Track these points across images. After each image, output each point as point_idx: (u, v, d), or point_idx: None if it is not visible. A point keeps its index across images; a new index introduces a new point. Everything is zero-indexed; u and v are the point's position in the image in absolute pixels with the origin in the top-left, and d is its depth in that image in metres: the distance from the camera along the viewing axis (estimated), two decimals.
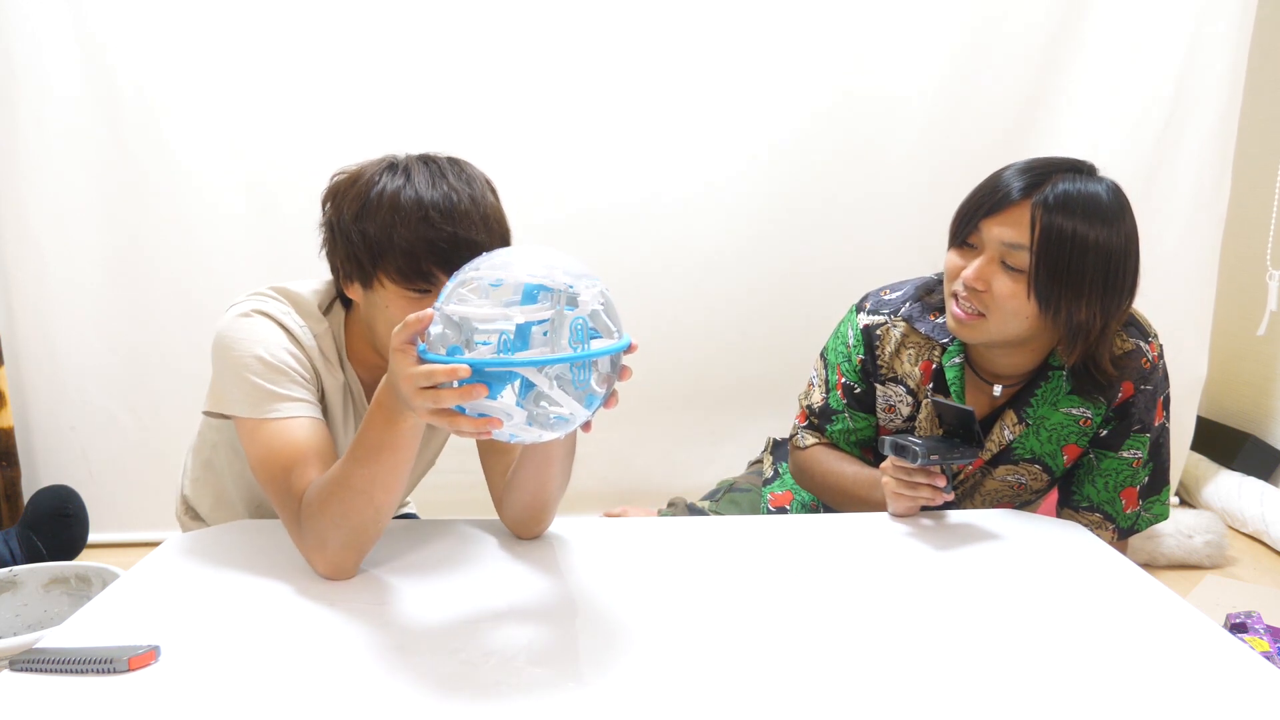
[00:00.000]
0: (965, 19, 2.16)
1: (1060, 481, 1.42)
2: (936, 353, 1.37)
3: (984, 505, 1.44)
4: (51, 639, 0.86)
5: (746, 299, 2.30)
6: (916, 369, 1.38)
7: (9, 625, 1.42)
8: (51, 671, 0.81)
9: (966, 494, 1.44)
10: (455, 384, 0.79)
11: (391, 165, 1.04)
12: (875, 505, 1.31)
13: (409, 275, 1.00)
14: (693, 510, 1.92)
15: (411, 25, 2.09)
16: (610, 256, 2.20)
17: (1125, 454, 1.35)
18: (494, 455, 1.17)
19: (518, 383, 0.79)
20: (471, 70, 2.12)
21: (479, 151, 2.17)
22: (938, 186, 2.15)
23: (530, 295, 0.79)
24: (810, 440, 1.49)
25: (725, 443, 2.37)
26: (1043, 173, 1.22)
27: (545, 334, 0.79)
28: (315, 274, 1.16)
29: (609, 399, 0.85)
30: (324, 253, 1.10)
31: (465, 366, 0.78)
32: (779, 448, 1.94)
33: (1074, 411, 1.34)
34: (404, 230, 0.99)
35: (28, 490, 2.19)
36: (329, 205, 1.07)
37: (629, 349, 0.84)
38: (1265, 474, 2.45)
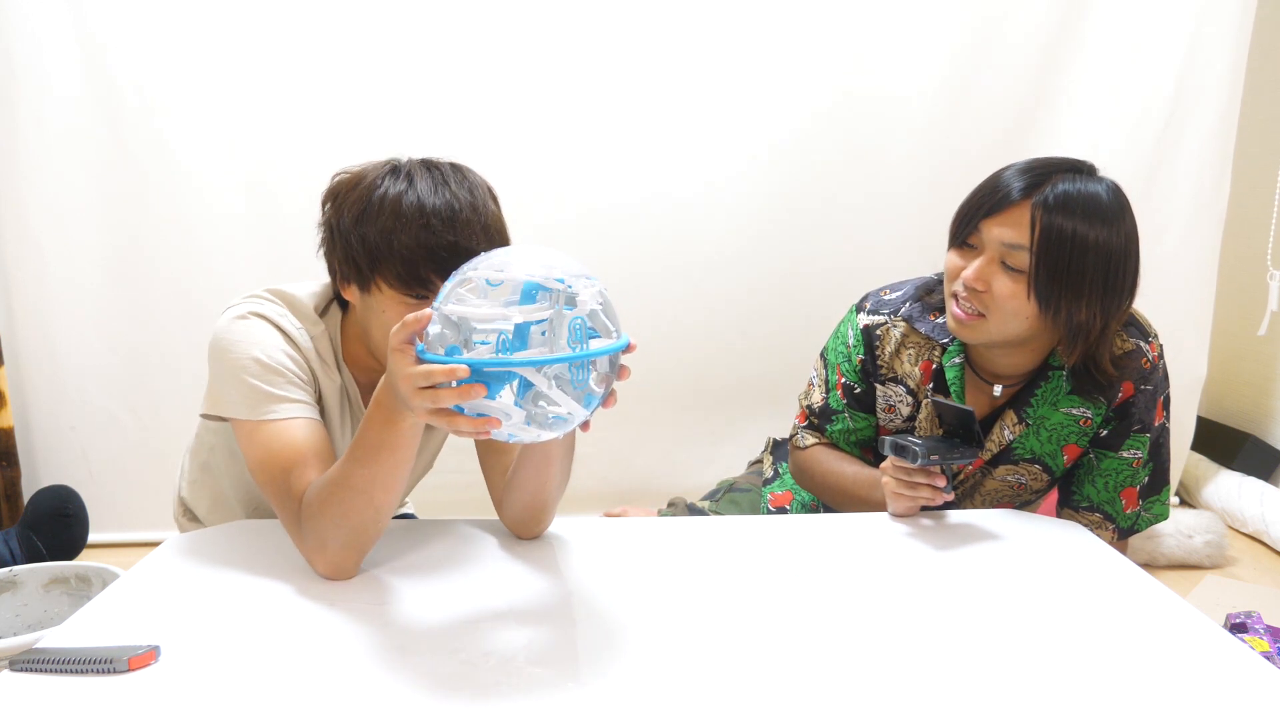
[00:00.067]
0: (965, 19, 2.16)
1: (1060, 481, 1.42)
2: (936, 353, 1.37)
3: (984, 505, 1.44)
4: (51, 639, 0.86)
5: (746, 299, 2.30)
6: (916, 369, 1.38)
7: (9, 625, 1.42)
8: (51, 671, 0.81)
9: (966, 494, 1.44)
10: (454, 384, 0.79)
11: (394, 169, 1.03)
12: (875, 505, 1.31)
13: (408, 282, 1.00)
14: (693, 510, 1.93)
15: (412, 25, 2.09)
16: (610, 256, 2.20)
17: (1125, 454, 1.35)
18: (493, 456, 1.17)
19: (516, 382, 0.79)
20: (472, 71, 2.12)
21: (480, 152, 2.17)
22: (938, 186, 2.15)
23: (529, 295, 0.79)
24: (810, 440, 1.49)
25: (725, 443, 2.37)
26: (1043, 173, 1.22)
27: (544, 334, 0.79)
28: (315, 275, 1.15)
29: (607, 399, 0.85)
30: (321, 252, 1.09)
31: (464, 366, 0.78)
32: (779, 448, 1.94)
33: (1074, 411, 1.34)
34: (404, 236, 0.99)
35: (28, 490, 2.19)
36: (329, 206, 1.06)
37: (627, 349, 0.84)
38: (1265, 474, 2.45)
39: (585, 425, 0.86)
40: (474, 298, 0.80)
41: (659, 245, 2.24)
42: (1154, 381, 1.33)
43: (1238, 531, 2.39)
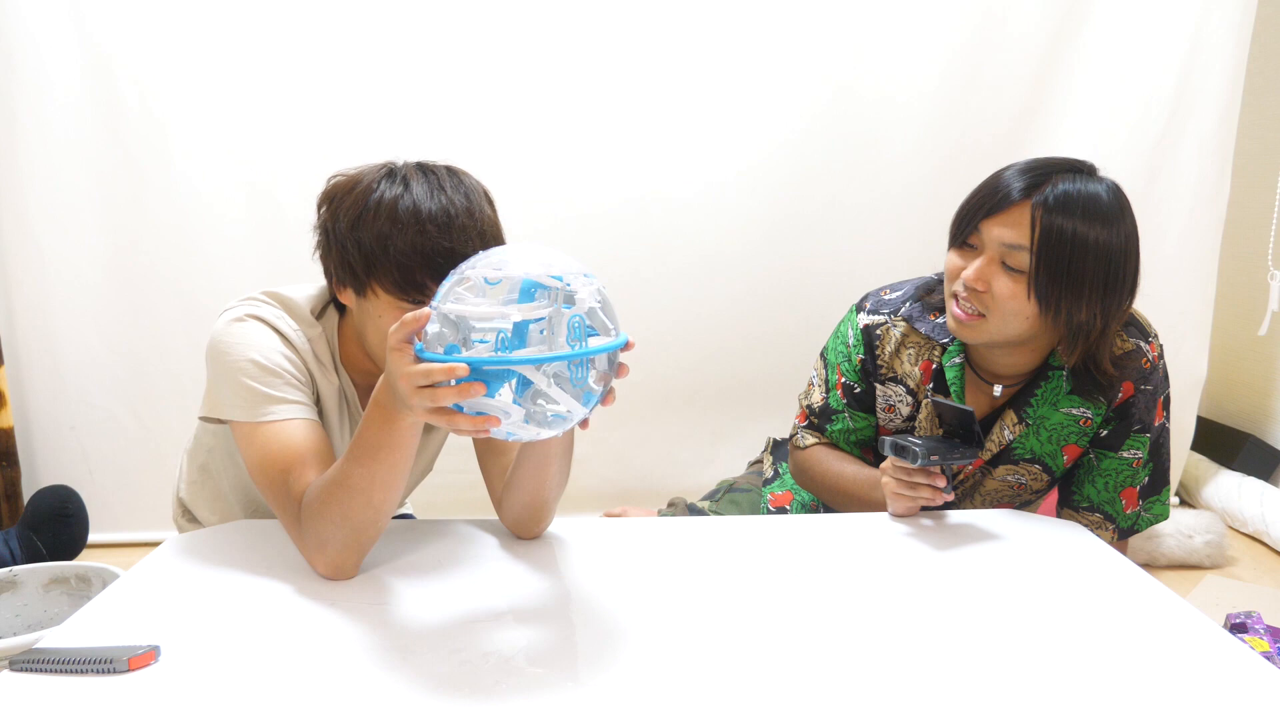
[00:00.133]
0: (965, 18, 2.16)
1: (1060, 481, 1.42)
2: (936, 353, 1.37)
3: (984, 505, 1.44)
4: (51, 639, 0.86)
5: (746, 299, 2.30)
6: (916, 369, 1.38)
7: (9, 625, 1.42)
8: (51, 671, 0.81)
9: (966, 494, 1.44)
10: (453, 382, 0.79)
11: (390, 172, 1.03)
12: (875, 505, 1.31)
13: (403, 287, 1.00)
14: (693, 510, 1.93)
15: (413, 27, 2.09)
16: (610, 256, 2.20)
17: (1125, 454, 1.35)
18: (492, 456, 1.17)
19: (515, 381, 0.79)
20: (473, 72, 2.12)
21: (481, 154, 2.18)
22: (937, 186, 2.15)
23: (527, 293, 0.79)
24: (810, 440, 1.49)
25: (725, 443, 2.37)
26: (1043, 173, 1.22)
27: (542, 332, 0.79)
28: (314, 277, 1.15)
29: (606, 396, 0.85)
30: (318, 255, 1.09)
31: (463, 365, 0.78)
32: (779, 448, 1.94)
33: (1074, 411, 1.34)
34: (400, 242, 0.99)
35: (28, 490, 2.19)
36: (324, 209, 1.06)
37: (626, 347, 0.84)
38: (1265, 474, 2.45)
39: (584, 423, 0.86)
40: (472, 296, 0.80)
41: (659, 245, 2.24)
42: (1154, 381, 1.33)
43: (1238, 531, 2.39)
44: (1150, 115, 2.21)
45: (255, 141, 2.11)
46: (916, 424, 1.40)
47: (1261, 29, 2.26)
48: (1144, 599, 1.02)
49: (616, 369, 0.85)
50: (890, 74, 2.18)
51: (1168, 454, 1.40)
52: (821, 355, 1.50)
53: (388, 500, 0.97)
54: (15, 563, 1.86)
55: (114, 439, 2.24)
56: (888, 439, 1.23)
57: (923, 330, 1.37)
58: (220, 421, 1.11)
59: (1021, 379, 1.36)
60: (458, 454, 1.39)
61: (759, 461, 2.09)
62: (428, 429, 1.27)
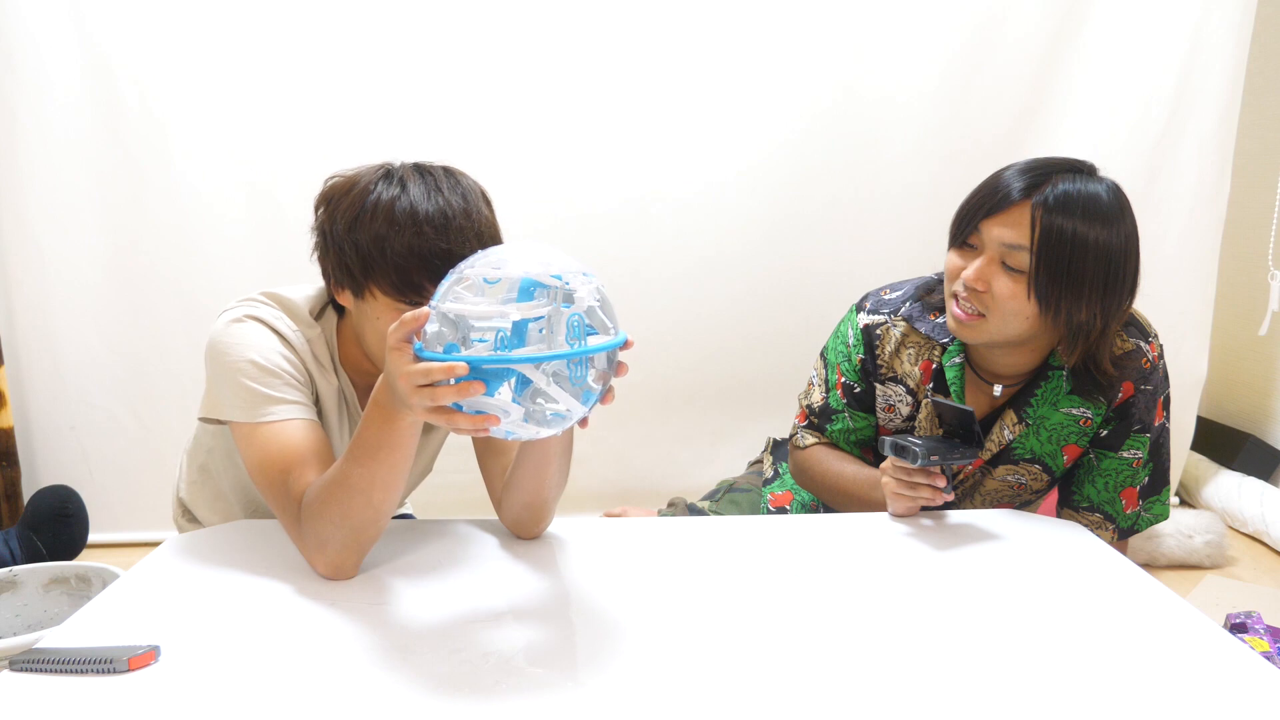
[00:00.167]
0: (965, 19, 2.16)
1: (1060, 482, 1.42)
2: (936, 352, 1.37)
3: (984, 505, 1.44)
4: (51, 639, 0.86)
5: (746, 299, 2.30)
6: (916, 369, 1.38)
7: (9, 625, 1.42)
8: (51, 671, 0.81)
9: (966, 494, 1.44)
10: (452, 381, 0.79)
11: (387, 174, 1.03)
12: (875, 505, 1.31)
13: (401, 289, 1.00)
14: (693, 510, 1.93)
15: (413, 27, 2.09)
16: (610, 256, 2.20)
17: (1125, 454, 1.35)
18: (492, 456, 1.17)
19: (514, 379, 0.79)
20: (473, 72, 2.12)
21: (481, 154, 2.18)
22: (937, 186, 2.15)
23: (526, 292, 0.79)
24: (810, 440, 1.49)
25: (725, 443, 2.37)
26: (1043, 173, 1.22)
27: (541, 331, 0.79)
28: (313, 278, 1.15)
29: (605, 395, 0.85)
30: (315, 257, 1.09)
31: (462, 364, 0.78)
32: (779, 448, 1.94)
33: (1074, 411, 1.34)
34: (397, 243, 0.98)
35: (28, 490, 2.19)
36: (322, 210, 1.06)
37: (625, 345, 0.84)
38: (1265, 474, 2.45)
39: (584, 422, 0.86)
40: (471, 295, 0.80)
41: (659, 245, 2.24)
42: (1154, 381, 1.33)
43: (1238, 531, 2.39)
44: (1150, 115, 2.21)
45: (255, 141, 2.11)
46: (916, 424, 1.40)
47: (1261, 29, 2.26)
48: (1144, 599, 1.02)
49: (616, 368, 0.85)
50: (890, 74, 2.18)
51: (1168, 454, 1.40)
52: (821, 355, 1.50)
53: (387, 500, 0.97)
54: (15, 563, 1.86)
55: (114, 439, 2.24)
56: (888, 439, 1.23)
57: (923, 330, 1.37)
58: (219, 422, 1.11)
59: (1021, 379, 1.36)
60: (458, 454, 1.39)
61: (759, 461, 2.09)
62: (427, 429, 1.27)
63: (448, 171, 1.05)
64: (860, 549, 1.16)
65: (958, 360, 1.35)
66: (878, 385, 1.42)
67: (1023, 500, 1.44)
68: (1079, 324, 1.23)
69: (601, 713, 0.78)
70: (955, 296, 1.27)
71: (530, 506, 1.10)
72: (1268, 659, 0.92)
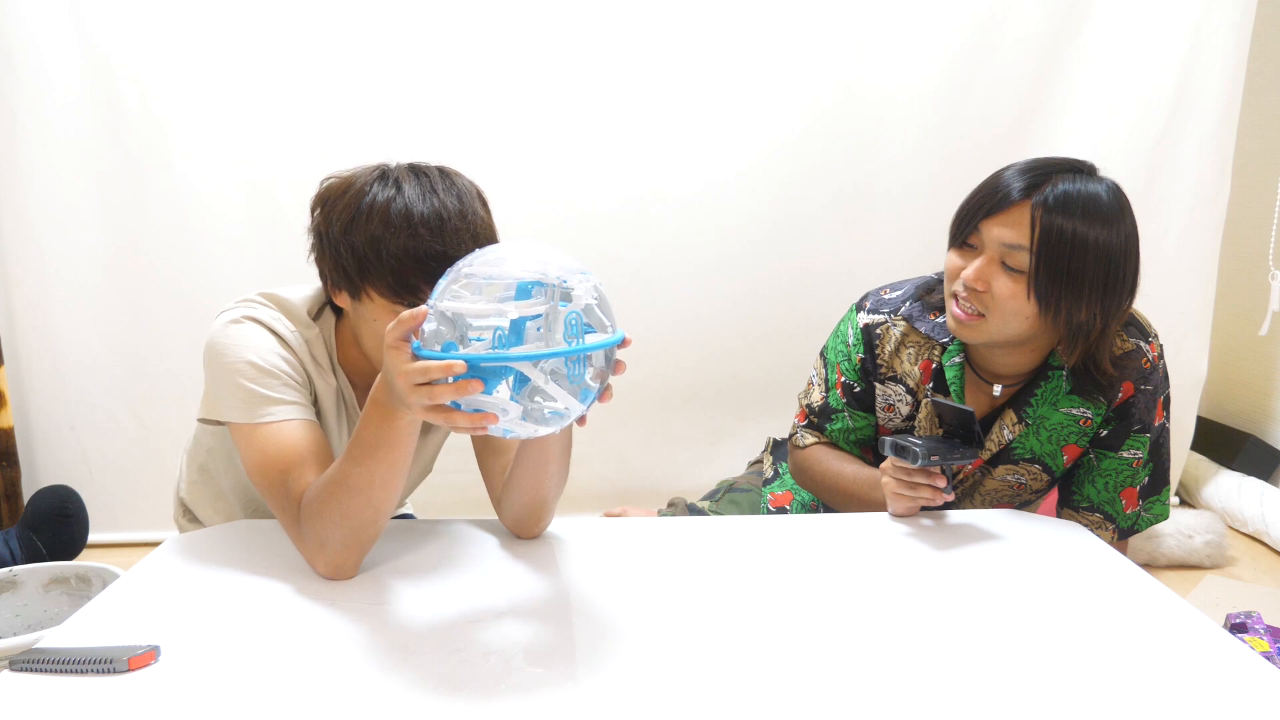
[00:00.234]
0: (965, 19, 2.16)
1: (1060, 481, 1.42)
2: (936, 352, 1.37)
3: (984, 505, 1.44)
4: (51, 639, 0.86)
5: (746, 299, 2.30)
6: (916, 368, 1.38)
7: (9, 625, 1.42)
8: (51, 671, 0.81)
9: (966, 494, 1.44)
10: (450, 379, 0.79)
11: (383, 175, 1.03)
12: (875, 505, 1.31)
13: (397, 290, 1.00)
14: (693, 510, 1.93)
15: (413, 27, 2.09)
16: (610, 256, 2.20)
17: (1125, 454, 1.35)
18: (491, 456, 1.17)
19: (512, 378, 0.79)
20: (473, 73, 2.12)
21: (481, 154, 2.18)
22: (937, 186, 2.15)
23: (524, 290, 0.79)
24: (810, 439, 1.49)
25: (725, 443, 2.37)
26: (1043, 173, 1.22)
27: (539, 329, 0.79)
28: (312, 278, 1.15)
29: (603, 393, 0.85)
30: (312, 258, 1.09)
31: (460, 362, 0.78)
32: (779, 448, 1.94)
33: (1074, 411, 1.34)
34: (392, 245, 0.98)
35: (28, 490, 2.19)
36: (318, 212, 1.06)
37: (623, 343, 0.84)
38: (1265, 474, 2.45)
39: (582, 420, 0.86)
40: (469, 294, 0.80)
41: (659, 245, 2.24)
42: (1154, 381, 1.33)
43: (1238, 531, 2.39)
44: (1150, 115, 2.21)
45: (255, 141, 2.11)
46: (916, 423, 1.40)
47: (1261, 29, 2.25)
48: (1144, 599, 1.02)
49: (614, 366, 0.85)
50: (890, 74, 2.18)
51: (1168, 454, 1.40)
52: (821, 354, 1.50)
53: (387, 499, 0.97)
54: (15, 563, 1.86)
55: (114, 439, 2.24)
56: (888, 439, 1.23)
57: (922, 330, 1.37)
58: (218, 423, 1.11)
59: (1021, 379, 1.36)
60: (457, 454, 1.39)
61: (759, 461, 2.09)
62: (426, 429, 1.27)
63: (443, 172, 1.05)
64: (860, 549, 1.16)
65: (957, 360, 1.35)
66: (877, 385, 1.42)
67: (1023, 500, 1.44)
68: (1079, 324, 1.23)
69: (601, 712, 0.78)
70: (955, 296, 1.27)
71: (530, 506, 1.10)
72: (1268, 659, 0.92)
